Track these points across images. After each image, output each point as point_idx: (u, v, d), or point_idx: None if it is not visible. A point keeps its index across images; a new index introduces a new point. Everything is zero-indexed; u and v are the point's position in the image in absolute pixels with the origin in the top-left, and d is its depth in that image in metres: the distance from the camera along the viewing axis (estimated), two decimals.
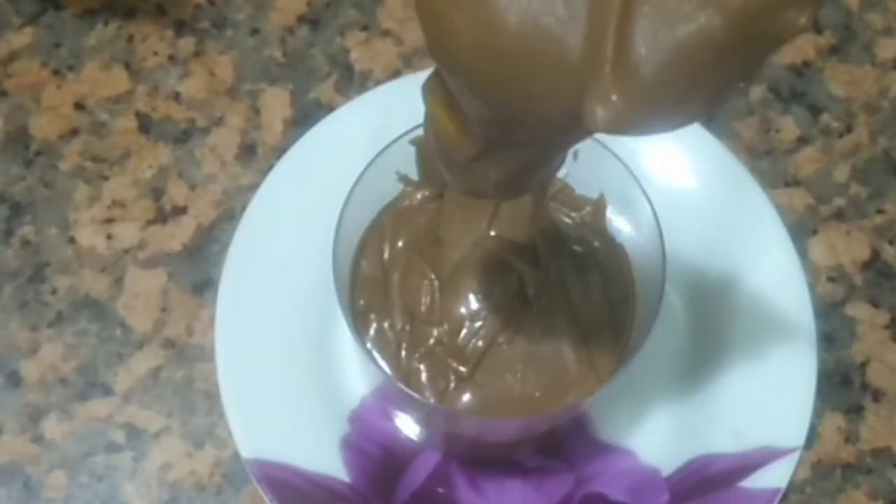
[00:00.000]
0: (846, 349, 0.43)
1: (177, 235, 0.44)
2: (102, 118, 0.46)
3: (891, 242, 0.45)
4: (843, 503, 0.41)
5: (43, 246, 0.44)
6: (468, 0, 0.22)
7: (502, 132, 0.26)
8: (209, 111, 0.47)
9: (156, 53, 0.48)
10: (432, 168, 0.38)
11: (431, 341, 0.37)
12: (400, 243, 0.38)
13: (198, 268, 0.44)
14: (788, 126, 0.47)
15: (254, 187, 0.44)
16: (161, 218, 0.44)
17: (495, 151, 0.27)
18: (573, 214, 0.40)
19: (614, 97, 0.22)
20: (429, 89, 0.27)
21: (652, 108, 0.23)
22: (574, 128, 0.23)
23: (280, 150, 0.45)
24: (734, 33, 0.22)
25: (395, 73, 0.48)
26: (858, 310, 0.44)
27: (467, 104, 0.25)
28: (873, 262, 0.45)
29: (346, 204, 0.36)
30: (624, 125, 0.23)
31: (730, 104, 0.47)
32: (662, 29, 0.22)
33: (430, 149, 0.29)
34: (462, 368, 0.36)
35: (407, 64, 0.48)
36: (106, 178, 0.45)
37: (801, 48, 0.49)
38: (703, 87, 0.23)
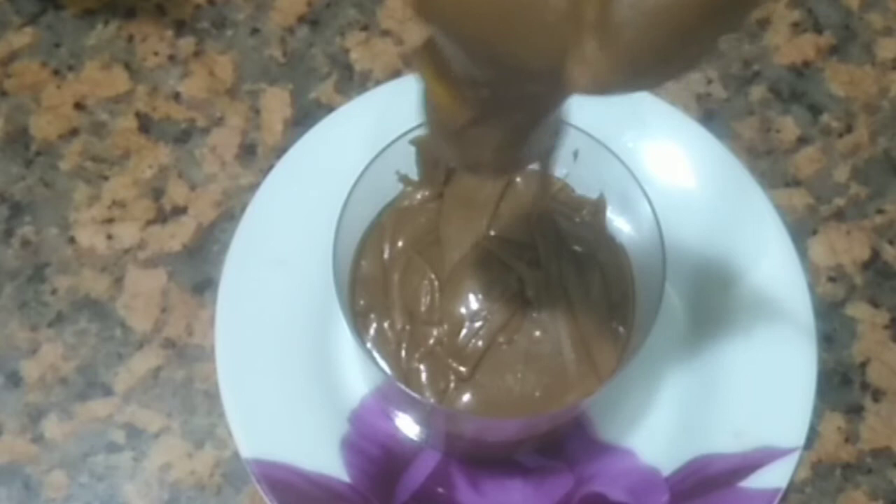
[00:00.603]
0: (846, 349, 0.43)
1: (177, 235, 0.44)
2: (102, 118, 0.46)
3: (891, 242, 0.45)
4: (843, 503, 0.41)
5: (43, 246, 0.44)
6: None
7: (492, 92, 0.26)
8: (209, 111, 0.47)
9: (156, 53, 0.48)
10: (432, 168, 0.39)
11: (431, 341, 0.37)
12: (400, 243, 0.38)
13: (198, 268, 0.44)
14: (788, 126, 0.47)
15: (254, 187, 0.44)
16: (161, 218, 0.44)
17: (489, 116, 0.27)
18: (573, 214, 0.40)
19: (596, 61, 0.22)
20: (421, 58, 0.27)
21: (635, 71, 0.23)
22: (560, 87, 0.23)
23: (280, 150, 0.45)
24: None
25: (395, 73, 0.48)
26: (858, 310, 0.44)
27: (456, 62, 0.25)
28: (873, 262, 0.45)
29: (346, 204, 0.36)
30: (605, 88, 0.23)
31: (730, 104, 0.48)
32: None
33: (429, 124, 0.29)
34: (462, 368, 0.36)
35: (407, 64, 0.48)
36: (106, 178, 0.45)
37: (801, 48, 0.49)
38: (688, 45, 0.23)
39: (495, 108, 0.27)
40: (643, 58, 0.22)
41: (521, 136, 0.29)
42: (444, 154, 0.31)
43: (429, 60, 0.27)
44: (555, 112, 0.28)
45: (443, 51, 0.26)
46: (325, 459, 0.39)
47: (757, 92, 0.48)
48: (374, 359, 0.37)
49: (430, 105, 0.28)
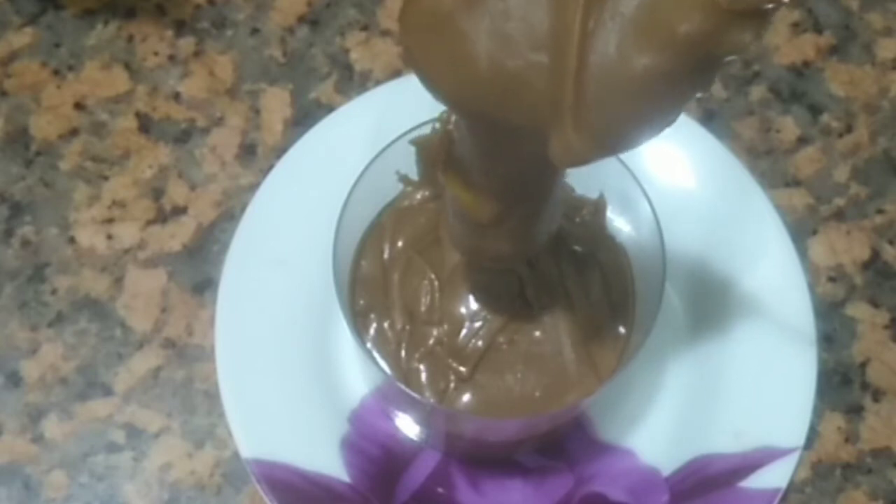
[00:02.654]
0: (846, 349, 0.43)
1: (177, 235, 0.44)
2: (102, 118, 0.46)
3: (891, 242, 0.45)
4: (843, 503, 0.41)
5: (43, 246, 0.44)
6: (444, 50, 0.26)
7: (503, 181, 0.31)
8: (209, 111, 0.47)
9: (156, 53, 0.48)
10: (432, 168, 0.39)
11: (431, 341, 0.37)
12: (400, 243, 0.38)
13: (198, 268, 0.44)
14: (788, 126, 0.47)
15: (254, 187, 0.44)
16: (161, 218, 0.44)
17: (508, 207, 0.31)
18: (573, 214, 0.40)
19: (574, 140, 0.25)
20: (446, 175, 0.32)
21: (610, 144, 0.26)
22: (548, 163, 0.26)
23: (280, 150, 0.45)
24: (681, 64, 0.24)
25: (395, 73, 0.48)
26: (858, 310, 0.44)
27: (473, 167, 0.31)
28: (873, 262, 0.45)
29: (346, 204, 0.36)
30: (584, 162, 0.26)
31: (730, 104, 0.48)
32: (614, 73, 0.24)
33: (456, 227, 0.34)
34: (462, 368, 0.36)
35: (407, 64, 0.48)
36: (106, 178, 0.45)
37: (801, 48, 0.49)
38: (659, 114, 0.26)
39: (510, 197, 0.31)
40: (618, 132, 0.26)
41: (535, 222, 0.33)
42: (470, 254, 0.36)
43: (452, 175, 0.32)
44: (554, 192, 0.32)
45: (461, 163, 0.31)
46: (325, 459, 0.39)
47: (757, 92, 0.48)
48: (374, 359, 0.37)
49: (457, 207, 0.32)
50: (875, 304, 0.44)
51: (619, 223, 0.39)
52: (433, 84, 0.27)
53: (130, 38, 0.48)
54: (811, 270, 0.44)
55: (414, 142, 0.37)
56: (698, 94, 0.26)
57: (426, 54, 0.26)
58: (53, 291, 0.43)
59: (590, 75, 0.25)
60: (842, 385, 0.42)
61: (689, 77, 0.25)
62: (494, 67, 0.25)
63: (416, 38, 0.27)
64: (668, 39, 0.24)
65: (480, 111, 0.27)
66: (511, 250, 0.34)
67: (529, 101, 0.25)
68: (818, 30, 0.50)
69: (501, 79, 0.25)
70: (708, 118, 0.47)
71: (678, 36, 0.24)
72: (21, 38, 0.48)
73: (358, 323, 0.37)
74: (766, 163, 0.46)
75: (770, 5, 0.24)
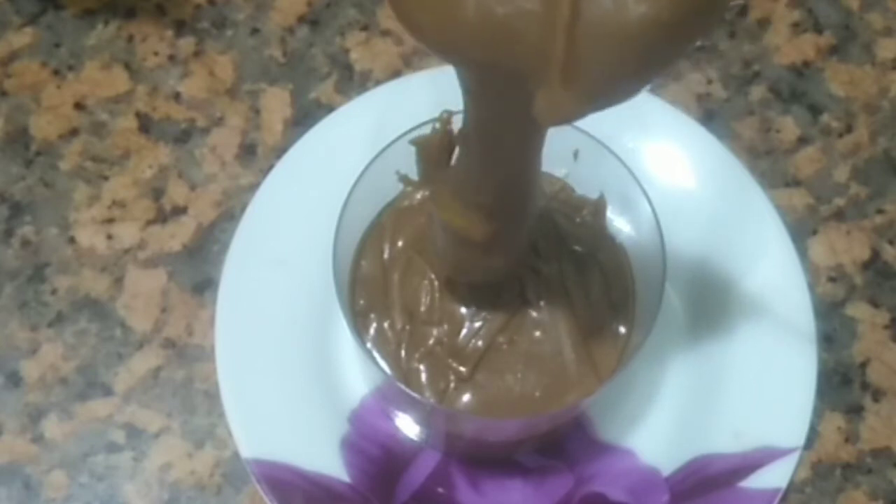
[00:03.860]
0: (846, 349, 0.43)
1: (177, 235, 0.44)
2: (102, 118, 0.46)
3: (891, 242, 0.45)
4: (843, 503, 0.41)
5: (43, 246, 0.44)
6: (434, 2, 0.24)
7: (497, 193, 0.31)
8: (209, 111, 0.47)
9: (156, 53, 0.48)
10: (432, 168, 0.39)
11: (431, 341, 0.37)
12: (400, 243, 0.38)
13: (198, 268, 0.44)
14: (788, 126, 0.47)
15: (254, 187, 0.44)
16: (161, 218, 0.44)
17: (503, 223, 0.32)
18: (573, 214, 0.40)
19: (562, 97, 0.24)
20: (437, 204, 0.33)
21: (600, 100, 0.24)
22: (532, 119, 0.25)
23: (280, 150, 0.45)
24: (681, 11, 0.23)
25: (395, 73, 0.48)
26: (858, 310, 0.44)
27: (464, 190, 0.31)
28: (873, 262, 0.45)
29: (346, 204, 0.36)
30: (570, 120, 0.25)
31: (730, 104, 0.48)
32: (608, 24, 0.23)
33: (447, 251, 0.34)
34: (462, 368, 0.36)
35: (407, 64, 0.48)
36: (106, 178, 0.45)
37: (801, 48, 0.49)
38: (654, 67, 0.24)
39: (502, 211, 0.32)
40: (607, 88, 0.24)
41: (524, 229, 0.34)
42: (463, 275, 0.36)
43: (443, 201, 0.32)
44: (537, 181, 0.32)
45: (455, 184, 0.32)
46: (325, 459, 0.39)
47: (757, 92, 0.48)
48: (374, 359, 0.37)
49: (452, 237, 0.33)
50: (875, 304, 0.44)
51: (619, 223, 0.39)
52: (417, 27, 0.25)
53: (130, 38, 0.48)
54: (811, 270, 0.44)
55: (414, 142, 0.37)
56: (691, 46, 0.25)
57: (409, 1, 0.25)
58: (53, 291, 0.43)
59: (583, 27, 0.23)
60: (842, 385, 0.42)
61: (687, 25, 0.24)
62: (482, 12, 0.24)
63: None
64: None
65: (466, 58, 0.26)
66: (504, 262, 0.34)
67: (518, 51, 0.24)
68: (818, 30, 0.50)
69: (489, 26, 0.24)
70: (708, 118, 0.47)
71: None
72: (21, 38, 0.48)
73: (358, 323, 0.37)
74: (766, 163, 0.46)
75: None
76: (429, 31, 0.25)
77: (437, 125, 0.37)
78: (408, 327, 0.37)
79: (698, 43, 0.25)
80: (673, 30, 0.23)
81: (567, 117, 0.25)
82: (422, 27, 0.25)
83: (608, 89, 0.24)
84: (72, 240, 0.44)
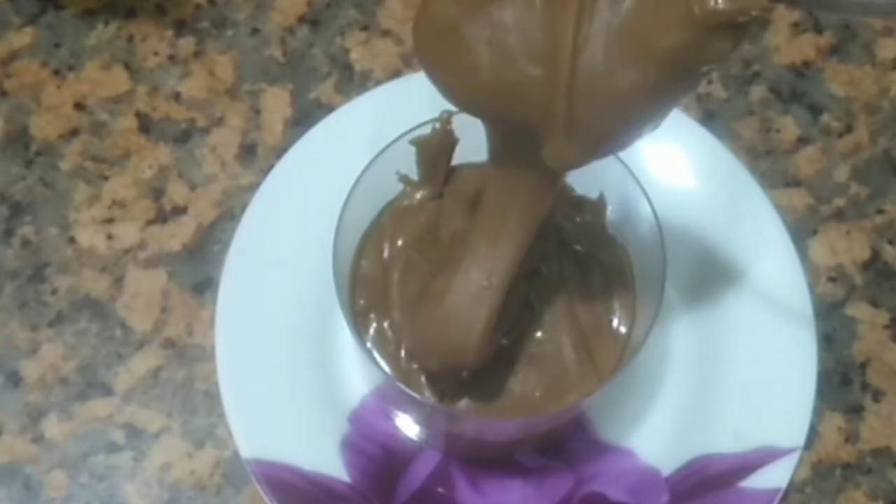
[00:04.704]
0: (846, 349, 0.43)
1: (177, 235, 0.44)
2: (102, 118, 0.46)
3: (891, 242, 0.45)
4: (843, 503, 0.41)
5: (43, 246, 0.44)
6: (450, 58, 0.29)
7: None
8: (209, 111, 0.47)
9: (156, 53, 0.48)
10: (432, 168, 0.39)
11: None
12: (400, 242, 0.38)
13: (198, 268, 0.44)
14: (788, 126, 0.47)
15: (254, 187, 0.44)
16: (161, 218, 0.44)
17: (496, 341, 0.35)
18: (573, 214, 0.40)
19: (566, 148, 0.28)
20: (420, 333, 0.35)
21: (599, 150, 0.29)
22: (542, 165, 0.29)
23: (280, 150, 0.45)
24: (663, 76, 0.27)
25: (395, 73, 0.48)
26: (858, 310, 0.44)
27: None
28: (873, 262, 0.45)
29: (346, 204, 0.36)
30: (575, 166, 0.29)
31: (730, 104, 0.47)
32: (602, 87, 0.27)
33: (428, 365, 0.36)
34: None
35: (407, 64, 0.48)
36: (106, 178, 0.45)
37: (801, 48, 0.49)
38: (645, 121, 0.28)
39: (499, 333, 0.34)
40: (606, 141, 0.28)
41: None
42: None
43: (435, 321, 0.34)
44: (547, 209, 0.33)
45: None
46: (325, 459, 0.39)
47: (757, 92, 0.48)
48: (374, 359, 0.37)
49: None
50: (875, 304, 0.44)
51: (619, 223, 0.39)
52: (442, 89, 0.30)
53: (130, 38, 0.48)
54: (811, 270, 0.44)
55: (414, 142, 0.37)
56: (681, 101, 0.28)
57: (435, 62, 0.29)
58: (53, 291, 0.43)
59: (579, 89, 0.27)
60: (842, 385, 0.42)
61: (671, 87, 0.27)
62: (495, 77, 0.28)
63: (425, 47, 0.29)
64: (651, 54, 0.26)
65: (484, 114, 0.30)
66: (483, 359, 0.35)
67: (526, 109, 0.28)
68: (818, 30, 0.50)
69: (502, 89, 0.28)
70: (708, 118, 0.47)
71: (660, 50, 0.26)
72: (21, 38, 0.48)
73: (358, 323, 0.37)
74: (766, 163, 0.46)
75: (744, 19, 0.26)
76: (454, 91, 0.29)
77: (437, 125, 0.37)
78: None
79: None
80: (658, 91, 0.27)
81: (572, 165, 0.29)
82: (448, 88, 0.29)
83: (605, 142, 0.29)
84: (72, 240, 0.44)
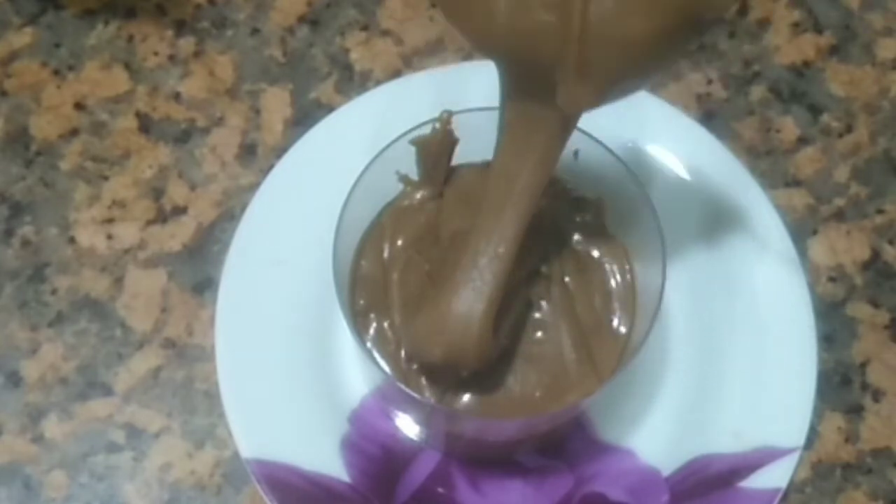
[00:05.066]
0: (846, 349, 0.43)
1: (177, 235, 0.44)
2: (102, 118, 0.47)
3: (891, 242, 0.45)
4: (843, 503, 0.41)
5: (43, 246, 0.44)
6: (468, 5, 0.30)
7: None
8: (209, 111, 0.47)
9: (156, 53, 0.48)
10: (432, 168, 0.39)
11: None
12: (399, 242, 0.38)
13: (198, 268, 0.44)
14: (788, 126, 0.47)
15: (254, 187, 0.44)
16: (161, 218, 0.45)
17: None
18: (573, 214, 0.40)
19: (579, 91, 0.29)
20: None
21: (610, 93, 0.30)
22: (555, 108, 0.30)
23: (280, 150, 0.45)
24: (671, 27, 0.28)
25: (395, 73, 0.48)
26: (858, 310, 0.44)
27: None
28: (873, 262, 0.45)
29: (346, 204, 0.36)
30: (587, 109, 0.31)
31: (730, 104, 0.47)
32: (612, 34, 0.28)
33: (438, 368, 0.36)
34: None
35: (407, 64, 0.48)
36: (106, 178, 0.45)
37: (801, 48, 0.49)
38: (652, 68, 0.30)
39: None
40: (615, 85, 0.30)
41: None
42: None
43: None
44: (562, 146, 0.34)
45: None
46: (325, 459, 0.39)
47: (757, 92, 0.48)
48: (374, 358, 0.37)
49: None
50: (875, 304, 0.44)
51: (619, 223, 0.39)
52: (460, 32, 0.31)
53: (130, 38, 0.48)
54: (811, 270, 0.44)
55: (414, 142, 0.37)
56: (687, 49, 0.30)
57: (453, 6, 0.31)
58: (53, 291, 0.43)
59: (591, 35, 0.28)
60: (842, 385, 0.42)
61: (677, 35, 0.29)
62: (511, 22, 0.29)
63: None
64: (659, 4, 0.28)
65: (500, 56, 0.32)
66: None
67: (541, 53, 0.29)
68: (818, 30, 0.50)
69: (518, 33, 0.29)
70: (708, 118, 0.47)
71: (667, 1, 0.28)
72: (21, 38, 0.48)
73: (358, 323, 0.37)
74: (766, 163, 0.46)
75: None
76: (472, 35, 0.31)
77: (437, 125, 0.37)
78: None
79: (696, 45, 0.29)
80: (665, 40, 0.29)
81: (584, 107, 0.30)
82: (466, 31, 0.31)
83: (616, 84, 0.30)
84: (72, 240, 0.44)
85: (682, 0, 0.28)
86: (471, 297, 0.34)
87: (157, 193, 0.45)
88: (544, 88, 0.30)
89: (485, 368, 0.35)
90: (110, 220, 0.44)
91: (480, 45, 0.31)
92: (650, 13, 0.28)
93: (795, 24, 0.50)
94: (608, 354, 0.37)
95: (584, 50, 0.28)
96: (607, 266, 0.39)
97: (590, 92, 0.29)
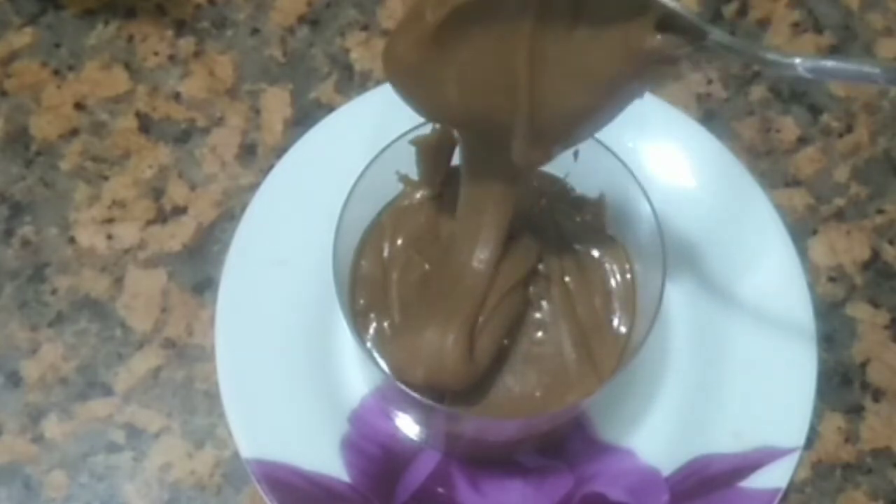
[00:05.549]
0: (846, 349, 0.43)
1: (177, 235, 0.44)
2: (102, 118, 0.46)
3: (891, 242, 0.45)
4: (843, 503, 0.41)
5: (43, 246, 0.44)
6: (421, 90, 0.32)
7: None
8: (209, 111, 0.47)
9: (156, 53, 0.48)
10: (432, 168, 0.39)
11: None
12: (399, 242, 0.38)
13: (198, 268, 0.44)
14: (788, 126, 0.47)
15: (254, 187, 0.44)
16: (161, 218, 0.45)
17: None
18: (573, 214, 0.40)
19: (530, 153, 0.33)
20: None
21: (560, 150, 0.34)
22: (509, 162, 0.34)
23: (280, 150, 0.45)
24: (608, 99, 0.31)
25: None
26: (858, 310, 0.44)
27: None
28: (873, 262, 0.45)
29: (346, 204, 0.36)
30: (540, 165, 0.35)
31: (730, 104, 0.47)
32: (557, 109, 0.31)
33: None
34: None
35: None
36: (106, 178, 0.45)
37: (801, 48, 0.49)
38: (596, 127, 0.33)
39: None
40: (562, 144, 0.33)
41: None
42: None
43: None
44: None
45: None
46: (325, 459, 0.39)
47: (757, 92, 0.48)
48: (374, 359, 0.37)
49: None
50: (875, 304, 0.44)
51: (619, 223, 0.39)
52: (419, 112, 0.33)
53: (130, 38, 0.48)
54: (811, 270, 0.44)
55: (414, 142, 0.37)
56: (628, 104, 0.32)
57: (407, 93, 0.32)
58: (53, 291, 0.43)
59: (538, 112, 0.31)
60: (842, 385, 0.42)
61: (616, 102, 0.32)
62: (464, 106, 0.32)
63: (396, 79, 0.32)
64: (596, 80, 0.30)
65: (456, 129, 0.35)
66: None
67: (493, 128, 0.32)
68: (818, 30, 0.50)
69: (470, 113, 0.32)
70: (708, 118, 0.47)
71: (604, 77, 0.30)
72: (21, 38, 0.48)
73: (358, 323, 0.37)
74: (766, 163, 0.46)
75: (676, 54, 0.29)
76: (428, 115, 0.33)
77: (437, 125, 0.37)
78: None
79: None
80: (605, 107, 0.32)
81: (537, 165, 0.35)
82: (421, 112, 0.33)
83: (564, 144, 0.34)
84: (72, 240, 0.44)
85: (617, 77, 0.30)
86: (443, 327, 0.34)
87: (157, 193, 0.45)
88: (499, 143, 0.33)
89: (469, 388, 0.35)
90: (110, 220, 0.44)
91: (434, 120, 0.34)
92: (590, 90, 0.31)
93: (795, 24, 0.50)
94: (608, 354, 0.37)
95: (533, 123, 0.31)
96: (607, 266, 0.39)
97: (541, 153, 0.33)
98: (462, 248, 0.36)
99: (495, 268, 0.36)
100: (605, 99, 0.31)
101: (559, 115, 0.32)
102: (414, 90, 0.32)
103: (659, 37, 0.29)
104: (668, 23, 0.29)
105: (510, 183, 0.35)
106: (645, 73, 0.30)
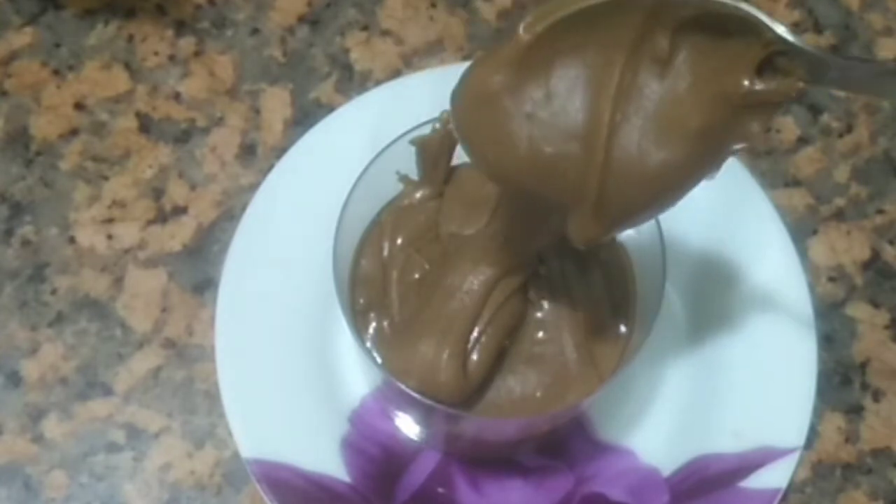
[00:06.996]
0: (846, 349, 0.43)
1: (177, 235, 0.44)
2: (102, 118, 0.46)
3: (891, 242, 0.45)
4: (843, 503, 0.41)
5: (43, 246, 0.44)
6: (490, 127, 0.29)
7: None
8: (209, 111, 0.47)
9: (156, 53, 0.48)
10: (432, 168, 0.39)
11: None
12: (399, 242, 0.38)
13: (198, 268, 0.44)
14: (788, 126, 0.47)
15: (254, 187, 0.44)
16: (161, 218, 0.44)
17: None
18: None
19: (591, 226, 0.29)
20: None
21: (622, 228, 0.30)
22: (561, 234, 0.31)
23: (280, 150, 0.45)
24: (693, 155, 0.28)
25: (395, 73, 0.48)
26: (858, 310, 0.44)
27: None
28: (873, 262, 0.45)
29: (346, 204, 0.36)
30: (597, 242, 0.30)
31: None
32: (634, 168, 0.28)
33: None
34: None
35: (407, 64, 0.48)
36: (106, 178, 0.45)
37: None
38: (669, 200, 0.30)
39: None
40: (630, 221, 0.30)
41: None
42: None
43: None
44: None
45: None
46: (325, 459, 0.39)
47: None
48: (374, 359, 0.37)
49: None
50: (875, 304, 0.44)
51: None
52: (477, 157, 0.30)
53: (130, 38, 0.48)
54: (811, 270, 0.44)
55: (414, 142, 0.37)
56: (705, 178, 0.30)
57: (473, 129, 0.29)
58: (53, 291, 0.43)
59: (612, 170, 0.28)
60: (842, 385, 0.42)
61: (699, 165, 0.29)
62: (532, 150, 0.28)
63: (465, 114, 0.29)
64: (683, 133, 0.27)
65: (516, 186, 0.30)
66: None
67: (559, 185, 0.29)
68: (818, 30, 0.50)
69: (537, 162, 0.28)
70: None
71: (692, 129, 0.27)
72: (21, 38, 0.48)
73: (358, 322, 0.37)
74: (766, 163, 0.46)
75: (778, 99, 0.27)
76: (490, 160, 0.29)
77: (437, 125, 0.37)
78: None
79: None
80: (686, 171, 0.28)
81: (595, 240, 0.30)
82: (484, 156, 0.29)
83: (630, 220, 0.30)
84: (72, 240, 0.44)
85: (708, 130, 0.27)
86: (437, 343, 0.34)
87: (157, 193, 0.45)
88: (549, 217, 0.31)
89: (464, 401, 0.35)
90: (110, 220, 0.44)
91: (499, 172, 0.30)
92: (675, 144, 0.28)
93: (795, 24, 0.50)
94: (608, 354, 0.37)
95: (604, 183, 0.28)
96: (607, 266, 0.39)
97: (602, 227, 0.29)
98: (463, 263, 0.36)
99: (494, 283, 0.35)
100: (688, 157, 0.28)
101: (633, 173, 0.28)
102: (482, 128, 0.29)
103: (765, 77, 0.27)
104: (776, 60, 0.27)
105: (538, 238, 0.34)
106: (739, 125, 0.28)
